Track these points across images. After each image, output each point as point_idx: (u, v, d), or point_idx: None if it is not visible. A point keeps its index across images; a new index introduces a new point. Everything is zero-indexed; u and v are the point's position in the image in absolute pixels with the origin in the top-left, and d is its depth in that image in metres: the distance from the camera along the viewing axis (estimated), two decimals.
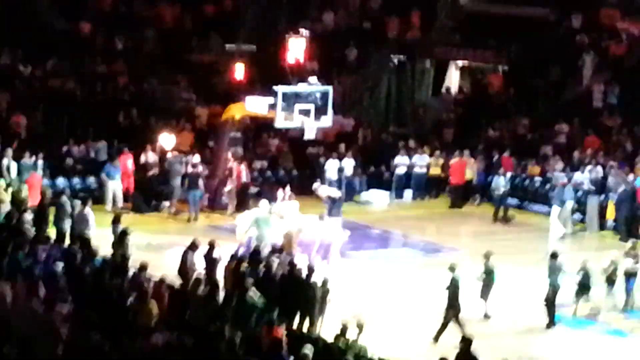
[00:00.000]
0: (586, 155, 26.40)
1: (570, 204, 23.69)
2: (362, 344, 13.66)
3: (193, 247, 17.06)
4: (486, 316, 17.27)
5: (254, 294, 14.50)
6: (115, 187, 23.92)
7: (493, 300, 17.46)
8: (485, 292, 17.26)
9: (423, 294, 18.09)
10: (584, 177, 25.00)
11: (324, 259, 19.32)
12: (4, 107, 27.01)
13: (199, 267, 16.89)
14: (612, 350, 16.44)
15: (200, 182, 23.88)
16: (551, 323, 17.14)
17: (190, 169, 24.26)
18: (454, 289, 16.11)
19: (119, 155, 24.91)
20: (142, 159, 25.22)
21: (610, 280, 17.91)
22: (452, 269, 16.36)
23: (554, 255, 17.49)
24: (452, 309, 16.06)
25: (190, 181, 23.95)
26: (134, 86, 29.89)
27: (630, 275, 17.94)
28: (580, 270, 17.65)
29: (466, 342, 12.99)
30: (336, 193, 22.65)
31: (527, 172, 26.88)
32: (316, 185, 22.50)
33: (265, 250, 17.46)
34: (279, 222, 19.65)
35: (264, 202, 20.08)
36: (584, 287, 17.64)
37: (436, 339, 15.92)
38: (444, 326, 16.00)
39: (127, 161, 24.69)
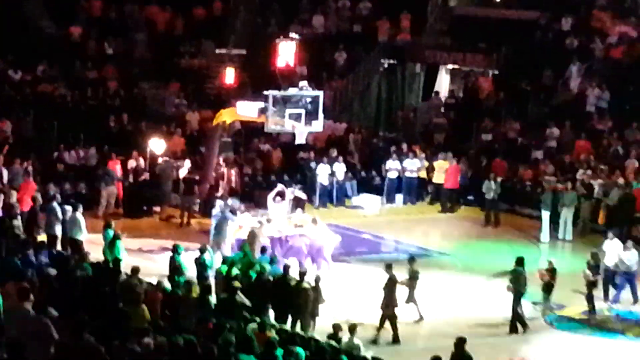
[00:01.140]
0: (577, 159, 26.52)
1: (570, 209, 23.80)
2: (355, 343, 13.86)
3: (175, 250, 17.18)
4: (421, 318, 17.26)
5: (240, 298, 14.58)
6: (109, 192, 23.95)
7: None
8: (411, 296, 17.20)
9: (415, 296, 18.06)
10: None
11: (314, 263, 19.43)
12: None
13: (190, 270, 17.00)
14: (605, 351, 16.59)
15: (195, 187, 23.94)
16: (525, 327, 17.10)
17: (182, 175, 24.27)
18: (389, 288, 16.20)
19: (107, 161, 24.94)
20: (132, 164, 25.19)
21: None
22: (388, 267, 16.48)
23: (519, 262, 17.39)
24: (387, 309, 16.18)
25: (185, 187, 23.98)
26: (125, 91, 29.99)
27: (590, 285, 18.05)
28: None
29: (460, 341, 13.16)
30: (303, 195, 22.58)
31: (518, 176, 26.93)
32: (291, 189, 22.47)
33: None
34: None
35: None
36: (548, 288, 17.85)
37: (396, 339, 15.99)
38: (381, 325, 16.18)
39: (115, 167, 24.72)
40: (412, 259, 17.75)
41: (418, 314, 17.30)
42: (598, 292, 18.48)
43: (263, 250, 18.07)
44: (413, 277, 17.18)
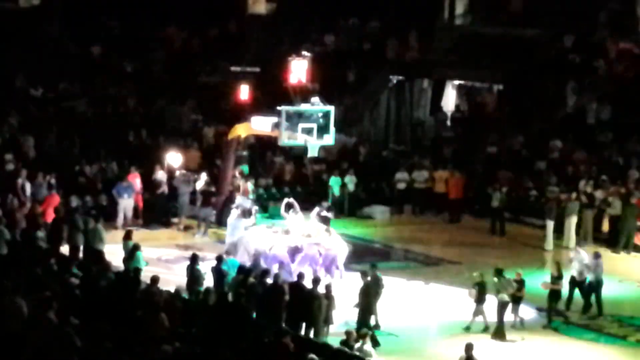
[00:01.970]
0: (579, 170, 27.03)
1: (574, 219, 24.17)
2: (367, 350, 14.17)
3: (194, 260, 17.63)
4: (377, 326, 16.98)
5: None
6: (126, 205, 24.35)
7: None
8: (374, 304, 16.93)
9: (424, 305, 18.65)
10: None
11: (328, 272, 19.65)
12: (17, 129, 27.73)
13: (208, 279, 17.42)
14: (608, 357, 16.73)
15: (213, 200, 24.31)
16: (501, 336, 17.08)
17: (199, 187, 24.76)
18: (365, 294, 16.45)
19: (127, 175, 25.36)
20: (151, 177, 25.55)
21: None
22: (364, 274, 16.73)
23: (498, 272, 17.39)
24: (363, 314, 16.33)
25: (202, 199, 24.50)
26: (143, 107, 30.51)
27: (516, 300, 17.62)
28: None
29: (469, 347, 13.52)
30: (330, 215, 22.86)
31: (522, 187, 27.34)
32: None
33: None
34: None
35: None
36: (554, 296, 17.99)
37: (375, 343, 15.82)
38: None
39: (135, 180, 25.06)
40: (373, 266, 17.74)
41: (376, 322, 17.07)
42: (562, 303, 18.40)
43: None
44: (375, 285, 16.95)
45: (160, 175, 25.67)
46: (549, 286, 18.09)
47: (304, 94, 23.58)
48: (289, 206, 20.87)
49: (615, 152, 27.75)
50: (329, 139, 21.84)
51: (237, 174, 25.25)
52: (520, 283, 17.60)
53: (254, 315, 15.45)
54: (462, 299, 18.28)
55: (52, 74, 30.48)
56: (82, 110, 29.64)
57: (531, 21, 32.99)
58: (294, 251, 19.70)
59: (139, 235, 21.70)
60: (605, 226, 24.82)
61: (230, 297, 15.67)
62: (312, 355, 12.29)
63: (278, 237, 20.08)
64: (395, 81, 32.93)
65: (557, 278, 18.12)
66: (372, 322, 16.84)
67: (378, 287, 17.14)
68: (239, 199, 22.13)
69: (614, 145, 28.13)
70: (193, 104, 31.42)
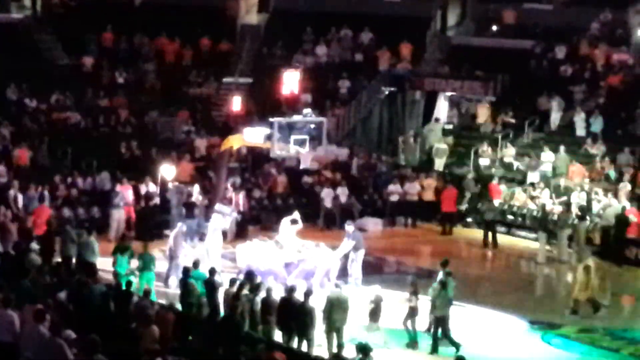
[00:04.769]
0: (571, 182, 27.08)
1: (567, 231, 24.22)
2: None
3: (186, 272, 17.59)
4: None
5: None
6: (119, 216, 24.30)
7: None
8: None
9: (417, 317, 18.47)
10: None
11: (321, 284, 19.58)
12: (9, 140, 27.65)
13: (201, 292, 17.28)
14: None
15: (197, 211, 24.26)
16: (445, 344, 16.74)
17: (193, 199, 24.80)
18: (329, 307, 16.30)
19: (119, 186, 25.12)
20: (143, 189, 25.51)
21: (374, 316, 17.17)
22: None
23: (443, 283, 17.16)
24: (327, 324, 16.21)
25: (186, 210, 24.44)
26: (135, 119, 30.49)
27: (411, 312, 17.22)
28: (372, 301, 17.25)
29: None
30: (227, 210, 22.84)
31: (514, 199, 27.36)
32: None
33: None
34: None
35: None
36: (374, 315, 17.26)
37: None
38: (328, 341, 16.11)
39: (127, 191, 24.98)
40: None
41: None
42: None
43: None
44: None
45: (152, 187, 25.63)
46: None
47: (296, 106, 23.64)
48: (294, 222, 20.87)
49: (608, 164, 27.76)
50: (322, 150, 21.86)
51: (229, 186, 25.24)
52: (415, 293, 17.21)
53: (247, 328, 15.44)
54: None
55: (43, 85, 30.47)
56: (74, 122, 29.58)
57: (523, 33, 33.21)
58: (289, 266, 19.70)
59: (131, 247, 21.44)
60: (596, 239, 24.78)
61: (222, 309, 15.69)
62: None
63: (271, 251, 20.07)
64: (387, 92, 33.03)
65: (414, 293, 17.38)
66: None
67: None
68: (219, 206, 22.07)
69: (606, 157, 28.14)
70: (185, 115, 31.45)
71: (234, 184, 25.91)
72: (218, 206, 22.09)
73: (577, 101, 30.41)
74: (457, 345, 16.73)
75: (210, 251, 21.00)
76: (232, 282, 17.03)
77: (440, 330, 16.93)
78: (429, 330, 17.36)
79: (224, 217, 21.48)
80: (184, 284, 17.51)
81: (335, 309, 16.28)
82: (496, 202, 26.22)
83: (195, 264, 18.30)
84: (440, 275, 17.48)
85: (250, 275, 17.27)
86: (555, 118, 30.30)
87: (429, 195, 27.67)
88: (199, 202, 24.55)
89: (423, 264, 23.58)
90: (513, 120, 30.89)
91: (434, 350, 16.85)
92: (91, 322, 13.39)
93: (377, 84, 32.92)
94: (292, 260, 20.02)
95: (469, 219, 27.48)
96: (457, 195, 27.30)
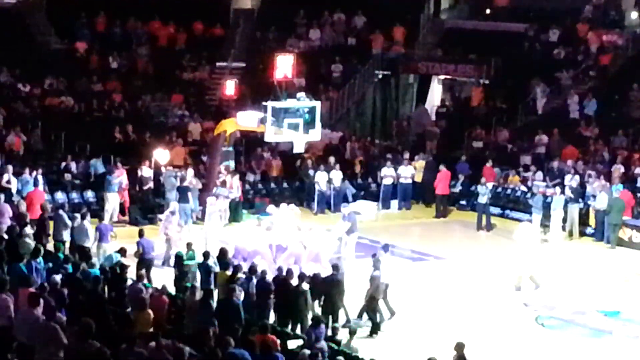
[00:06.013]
0: (565, 165, 27.20)
1: (559, 212, 24.25)
2: (354, 346, 14.25)
3: (181, 256, 17.63)
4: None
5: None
6: (114, 200, 24.21)
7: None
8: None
9: (411, 300, 18.57)
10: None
11: (314, 267, 19.34)
12: (2, 125, 27.63)
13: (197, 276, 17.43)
14: (594, 351, 16.70)
15: (190, 195, 24.23)
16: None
17: (187, 183, 24.88)
18: (324, 289, 16.40)
19: (113, 170, 25.22)
20: (138, 173, 25.48)
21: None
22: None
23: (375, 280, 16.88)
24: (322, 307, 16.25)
25: (180, 194, 24.43)
26: (129, 103, 30.51)
27: (371, 300, 16.98)
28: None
29: (459, 347, 13.33)
30: (225, 192, 22.85)
31: (508, 182, 27.60)
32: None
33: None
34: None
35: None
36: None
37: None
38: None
39: (121, 176, 24.76)
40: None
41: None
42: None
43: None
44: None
45: (147, 171, 25.62)
46: None
47: (289, 89, 23.64)
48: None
49: (601, 147, 27.84)
50: (315, 134, 21.85)
51: (222, 169, 25.25)
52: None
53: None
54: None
55: (37, 69, 30.41)
56: (68, 106, 29.55)
57: (516, 15, 33.19)
58: (278, 249, 19.72)
59: (125, 231, 21.72)
60: (592, 221, 24.86)
61: (216, 293, 15.67)
62: (305, 351, 12.37)
63: (261, 233, 20.11)
64: (380, 76, 33.10)
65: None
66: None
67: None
68: (217, 189, 22.06)
69: (600, 139, 28.21)
70: (179, 99, 31.51)
71: (227, 167, 25.91)
72: (216, 189, 22.11)
73: (567, 85, 30.41)
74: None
75: (208, 235, 20.99)
76: (226, 265, 17.05)
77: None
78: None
79: (223, 200, 21.44)
80: (178, 267, 17.55)
81: (331, 292, 16.31)
82: (490, 185, 26.24)
83: (189, 247, 18.30)
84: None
85: (221, 254, 17.29)
86: (540, 105, 30.36)
87: (420, 177, 27.78)
88: (193, 186, 24.50)
89: (417, 246, 23.48)
90: (504, 106, 30.94)
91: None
92: (85, 306, 13.40)
93: (371, 67, 32.99)
94: (281, 242, 20.04)
95: (463, 202, 27.51)
96: (451, 177, 27.33)
